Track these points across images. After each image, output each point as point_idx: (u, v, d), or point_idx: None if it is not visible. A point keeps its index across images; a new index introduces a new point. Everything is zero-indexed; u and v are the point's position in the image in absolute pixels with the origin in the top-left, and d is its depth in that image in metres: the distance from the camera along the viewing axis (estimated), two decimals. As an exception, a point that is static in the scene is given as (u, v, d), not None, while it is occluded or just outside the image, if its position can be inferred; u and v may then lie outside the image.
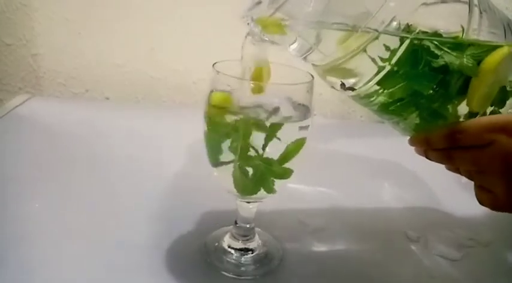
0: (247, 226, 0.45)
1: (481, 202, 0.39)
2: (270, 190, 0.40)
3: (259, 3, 0.35)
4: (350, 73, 0.37)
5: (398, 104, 0.37)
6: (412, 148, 0.42)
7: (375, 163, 0.68)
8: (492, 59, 0.35)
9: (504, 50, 0.35)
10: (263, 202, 0.43)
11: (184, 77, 0.85)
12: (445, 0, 0.37)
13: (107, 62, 0.84)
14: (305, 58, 0.38)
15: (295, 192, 0.57)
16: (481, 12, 0.36)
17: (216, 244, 0.46)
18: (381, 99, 0.37)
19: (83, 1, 0.80)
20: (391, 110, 0.38)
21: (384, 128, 0.46)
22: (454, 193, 0.61)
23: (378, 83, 0.36)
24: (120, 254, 0.43)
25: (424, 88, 0.35)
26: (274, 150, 0.38)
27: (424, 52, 0.34)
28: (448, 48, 0.34)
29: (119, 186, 0.55)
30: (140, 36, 0.82)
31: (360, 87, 0.37)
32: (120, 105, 0.84)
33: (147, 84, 0.86)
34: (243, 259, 0.44)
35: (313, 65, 0.39)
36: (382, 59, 0.35)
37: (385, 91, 0.36)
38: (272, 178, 0.39)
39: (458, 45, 0.35)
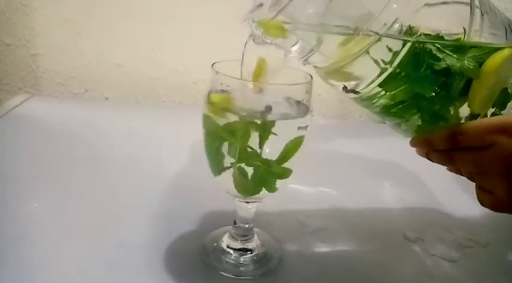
0: (246, 226, 0.45)
1: (482, 204, 0.39)
2: (272, 189, 0.40)
3: (260, 5, 0.35)
4: (352, 75, 0.37)
5: (400, 106, 0.37)
6: (412, 148, 0.42)
7: (374, 164, 0.69)
8: (493, 61, 0.35)
9: (505, 52, 0.36)
10: (262, 203, 0.43)
11: (184, 77, 0.85)
12: (446, 2, 0.37)
13: (107, 62, 0.84)
14: (306, 60, 0.38)
15: (294, 192, 0.57)
16: (482, 14, 0.36)
17: (215, 244, 0.46)
18: (383, 101, 0.37)
19: (83, 1, 0.80)
20: (393, 112, 0.38)
21: (383, 128, 0.46)
22: (453, 193, 0.61)
23: (379, 85, 0.36)
24: (120, 254, 0.43)
25: (426, 90, 0.35)
26: (273, 151, 0.38)
27: (426, 55, 0.34)
28: (450, 50, 0.34)
29: (119, 186, 0.55)
30: (140, 36, 0.82)
31: (362, 89, 0.37)
32: (120, 105, 0.84)
33: (146, 84, 0.86)
34: (241, 259, 0.44)
35: (315, 67, 0.39)
36: (384, 62, 0.35)
37: (387, 93, 0.37)
38: (272, 178, 0.39)
39: (459, 47, 0.35)
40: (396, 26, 0.34)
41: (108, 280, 0.40)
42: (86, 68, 0.84)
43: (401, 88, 0.36)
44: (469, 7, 0.36)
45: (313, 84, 0.39)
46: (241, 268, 0.44)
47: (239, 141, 0.37)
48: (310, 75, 0.39)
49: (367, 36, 0.34)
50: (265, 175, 0.39)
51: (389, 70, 0.35)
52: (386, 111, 0.38)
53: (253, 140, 0.37)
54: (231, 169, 0.39)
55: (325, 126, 0.82)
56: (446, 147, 0.38)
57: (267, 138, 0.37)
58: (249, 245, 0.45)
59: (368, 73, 0.36)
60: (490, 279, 0.47)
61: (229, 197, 0.43)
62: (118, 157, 0.61)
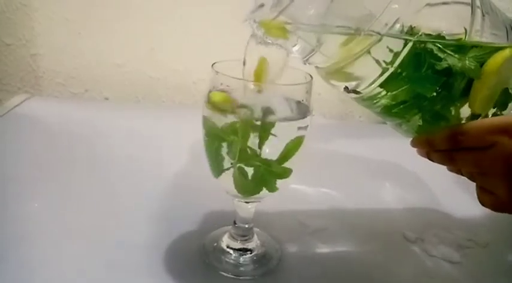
0: (246, 226, 0.45)
1: (483, 204, 0.39)
2: (273, 189, 0.40)
3: (261, 6, 0.35)
4: (353, 76, 0.37)
5: (401, 106, 0.37)
6: (412, 149, 0.42)
7: (374, 164, 0.69)
8: (494, 61, 0.35)
9: (506, 52, 0.36)
10: (262, 203, 0.43)
11: (184, 77, 0.85)
12: (447, 2, 0.37)
13: (107, 62, 0.84)
14: (307, 60, 0.38)
15: (294, 193, 0.57)
16: (483, 14, 0.36)
17: (215, 244, 0.46)
18: (384, 101, 0.37)
19: (83, 1, 0.80)
20: (394, 112, 0.38)
21: (383, 129, 0.46)
22: (454, 194, 0.61)
23: (381, 86, 0.36)
24: (120, 254, 0.43)
25: (427, 90, 0.35)
26: (274, 151, 0.38)
27: (427, 55, 0.34)
28: (451, 50, 0.34)
29: (119, 186, 0.55)
30: (140, 36, 0.82)
31: (363, 90, 0.37)
32: (120, 105, 0.84)
33: (146, 84, 0.86)
34: (241, 259, 0.44)
35: (316, 67, 0.39)
36: (385, 62, 0.35)
37: (388, 93, 0.37)
38: (272, 178, 0.39)
39: (461, 47, 0.35)
40: (397, 26, 0.34)
41: (108, 280, 0.40)
42: (86, 68, 0.84)
43: (403, 88, 0.36)
44: (470, 7, 0.36)
45: (313, 84, 0.39)
46: (241, 268, 0.44)
47: (239, 142, 0.37)
48: (310, 75, 0.39)
49: (368, 37, 0.35)
50: (265, 175, 0.39)
51: (391, 70, 0.35)
52: (388, 111, 0.38)
53: (253, 140, 0.37)
54: (231, 170, 0.39)
55: (325, 126, 0.82)
56: (447, 147, 0.38)
57: (267, 139, 0.37)
58: (249, 245, 0.45)
59: (369, 73, 0.36)
60: (490, 279, 0.47)
61: (229, 197, 0.43)
62: (118, 157, 0.61)
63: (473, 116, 0.38)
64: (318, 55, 0.37)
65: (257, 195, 0.41)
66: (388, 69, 0.35)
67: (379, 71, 0.36)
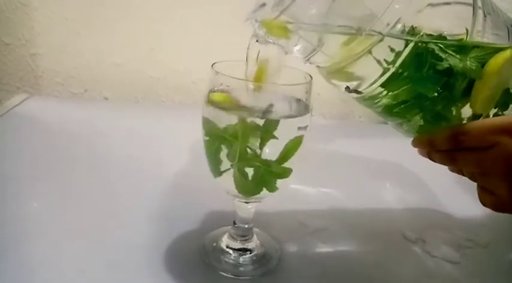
0: (246, 226, 0.45)
1: (484, 204, 0.39)
2: (273, 189, 0.40)
3: (263, 5, 0.35)
4: (354, 75, 0.37)
5: (402, 106, 0.37)
6: (413, 149, 0.42)
7: (375, 164, 0.69)
8: (496, 62, 0.35)
9: (507, 53, 0.36)
10: (262, 203, 0.43)
11: (184, 77, 0.85)
12: (449, 2, 0.37)
13: (107, 62, 0.84)
14: (309, 60, 0.38)
15: (294, 193, 0.57)
16: (485, 15, 0.36)
17: (215, 244, 0.46)
18: (385, 101, 0.37)
19: (82, 1, 0.80)
20: (395, 112, 0.38)
21: (383, 128, 0.46)
22: (454, 194, 0.61)
23: (382, 85, 0.36)
24: (120, 254, 0.43)
25: (429, 91, 0.35)
26: (273, 151, 0.38)
27: (428, 55, 0.34)
28: (453, 50, 0.34)
29: (119, 186, 0.55)
30: (140, 36, 0.82)
31: (364, 89, 0.37)
32: (120, 105, 0.84)
33: (146, 84, 0.86)
34: (241, 259, 0.44)
35: (317, 67, 0.39)
36: (386, 62, 0.35)
37: (390, 93, 0.37)
38: (272, 178, 0.39)
39: (462, 47, 0.35)
40: (399, 26, 0.34)
41: (108, 280, 0.40)
42: (85, 68, 0.84)
43: (404, 88, 0.36)
44: (471, 8, 0.36)
45: (313, 84, 0.39)
46: (241, 268, 0.44)
47: (239, 142, 0.37)
48: (310, 75, 0.39)
49: (369, 36, 0.35)
50: (265, 176, 0.39)
51: (392, 70, 0.35)
52: (389, 111, 0.38)
53: (253, 140, 0.37)
54: (231, 170, 0.39)
55: (326, 127, 0.82)
56: (449, 147, 0.38)
57: (269, 139, 0.37)
58: (249, 245, 0.45)
59: (370, 73, 0.36)
60: (490, 279, 0.47)
61: (229, 197, 0.42)
62: (118, 157, 0.61)
63: (475, 116, 0.38)
64: (320, 55, 0.37)
65: (257, 195, 0.41)
66: (389, 69, 0.35)
67: (381, 70, 0.36)
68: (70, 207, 0.50)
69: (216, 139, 0.39)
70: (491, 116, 0.39)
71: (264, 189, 0.40)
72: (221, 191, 0.42)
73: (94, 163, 0.60)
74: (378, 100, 0.38)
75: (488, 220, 0.56)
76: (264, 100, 0.39)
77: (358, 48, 0.35)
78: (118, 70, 0.84)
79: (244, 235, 0.45)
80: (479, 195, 0.39)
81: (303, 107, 0.39)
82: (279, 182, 0.40)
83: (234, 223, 0.45)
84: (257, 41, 0.37)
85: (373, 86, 0.36)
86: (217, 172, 0.40)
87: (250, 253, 0.45)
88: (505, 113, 0.40)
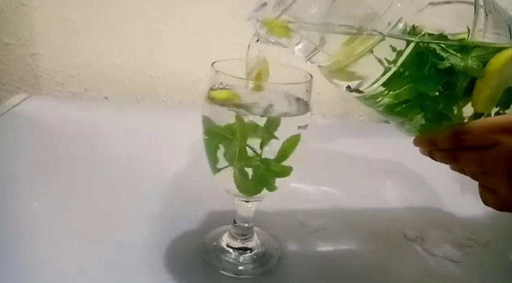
0: (246, 225, 0.45)
1: (486, 203, 0.39)
2: (272, 188, 0.40)
3: (264, 5, 0.35)
4: (356, 75, 0.37)
5: (403, 105, 0.37)
6: (414, 148, 0.42)
7: (375, 163, 0.69)
8: (497, 61, 0.35)
9: (509, 52, 0.36)
10: (262, 202, 0.43)
11: (184, 77, 0.85)
12: (450, 1, 0.37)
13: (106, 62, 0.84)
14: (310, 59, 0.38)
15: (294, 192, 0.57)
16: (486, 14, 0.36)
17: (215, 243, 0.46)
18: (387, 100, 0.37)
19: (82, 0, 0.79)
20: (397, 111, 0.38)
21: (384, 127, 0.46)
22: (455, 193, 0.61)
23: (383, 85, 0.36)
24: (120, 254, 0.43)
25: (430, 90, 0.35)
26: (273, 150, 0.38)
27: (429, 54, 0.34)
28: (454, 50, 0.34)
29: (119, 186, 0.55)
30: (140, 36, 0.82)
31: (366, 89, 0.37)
32: (120, 105, 0.84)
33: (146, 84, 0.85)
34: (241, 258, 0.44)
35: (319, 66, 0.39)
36: (388, 61, 0.35)
37: (391, 92, 0.37)
38: (272, 177, 0.39)
39: (463, 47, 0.35)
40: (400, 25, 0.34)
41: (108, 280, 0.40)
42: (85, 68, 0.84)
43: (405, 87, 0.36)
44: (473, 6, 0.36)
45: (313, 83, 0.39)
46: (241, 267, 0.44)
47: (238, 141, 0.37)
48: (310, 74, 0.39)
49: (371, 36, 0.34)
50: (264, 175, 0.39)
51: (393, 69, 0.35)
52: (390, 110, 0.38)
53: (253, 139, 0.37)
54: (231, 168, 0.39)
55: (326, 126, 0.82)
56: (450, 146, 0.38)
57: (270, 139, 0.37)
58: (249, 244, 0.45)
59: (372, 72, 0.36)
60: (490, 278, 0.47)
61: (229, 196, 0.42)
62: (118, 157, 0.61)
63: (476, 115, 0.38)
64: (321, 54, 0.37)
65: (258, 195, 0.41)
66: (390, 68, 0.35)
67: (382, 70, 0.36)
68: (70, 207, 0.50)
69: (216, 137, 0.39)
70: (492, 115, 0.39)
71: (264, 189, 0.40)
72: (221, 190, 0.42)
73: (94, 163, 0.60)
74: (379, 99, 0.38)
75: (489, 219, 0.56)
76: (264, 99, 0.39)
77: (359, 47, 0.35)
78: (118, 70, 0.84)
79: (245, 234, 0.45)
80: (480, 194, 0.39)
81: (303, 106, 0.39)
82: (279, 181, 0.40)
83: (234, 222, 0.45)
84: (257, 41, 0.37)
85: (375, 85, 0.36)
86: (217, 169, 0.40)
87: (251, 252, 0.45)
88: (506, 111, 0.40)
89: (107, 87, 0.86)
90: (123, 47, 0.83)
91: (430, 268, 0.47)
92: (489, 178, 0.38)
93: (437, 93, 0.36)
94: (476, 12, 0.35)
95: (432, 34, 0.35)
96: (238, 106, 0.38)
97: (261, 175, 0.39)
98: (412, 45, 0.34)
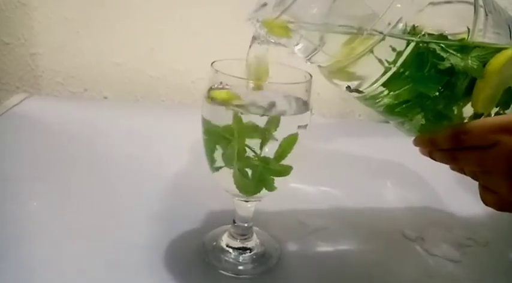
0: (245, 225, 0.45)
1: (486, 203, 0.39)
2: (271, 188, 0.40)
3: (264, 5, 0.35)
4: (356, 75, 0.37)
5: (403, 105, 0.37)
6: (414, 147, 0.42)
7: (375, 163, 0.69)
8: (497, 61, 0.35)
9: (509, 52, 0.36)
10: (262, 202, 0.43)
11: (184, 77, 0.85)
12: (450, 1, 0.37)
13: (106, 61, 0.84)
14: (310, 59, 0.38)
15: (294, 192, 0.57)
16: (486, 13, 0.36)
17: (214, 243, 0.46)
18: (387, 100, 0.37)
19: (82, 1, 0.79)
20: (397, 111, 0.38)
21: (383, 127, 0.46)
22: (455, 193, 0.61)
23: (383, 85, 0.36)
24: (120, 254, 0.43)
25: (430, 90, 0.35)
26: (272, 149, 0.38)
27: (429, 54, 0.34)
28: (454, 50, 0.34)
29: (119, 186, 0.55)
30: (140, 36, 0.82)
31: (366, 89, 0.37)
32: (119, 105, 0.84)
33: (146, 84, 0.86)
34: (241, 258, 0.44)
35: (318, 66, 0.39)
36: (387, 61, 0.35)
37: (391, 93, 0.37)
38: (272, 176, 0.39)
39: (463, 47, 0.35)
40: (400, 25, 0.34)
41: (108, 280, 0.40)
42: (85, 67, 0.84)
43: (405, 87, 0.36)
44: (472, 6, 0.36)
45: (312, 83, 0.39)
46: (240, 267, 0.44)
47: (237, 140, 0.37)
48: (310, 74, 0.39)
49: (371, 36, 0.35)
50: (264, 174, 0.39)
51: (393, 69, 0.35)
52: (390, 110, 0.38)
53: (254, 136, 0.37)
54: (230, 168, 0.39)
55: (325, 126, 0.82)
56: (450, 146, 0.38)
57: (269, 139, 0.37)
58: (248, 244, 0.45)
59: (372, 72, 0.36)
60: (489, 278, 0.47)
61: (229, 196, 0.42)
62: (118, 157, 0.61)
63: (476, 116, 0.38)
64: (321, 54, 0.37)
65: (257, 195, 0.41)
66: (390, 68, 0.35)
67: (382, 70, 0.36)
68: (70, 207, 0.50)
69: (215, 137, 0.39)
70: (492, 115, 0.39)
71: (264, 188, 0.40)
72: (221, 190, 0.42)
73: (94, 163, 0.60)
74: (379, 99, 0.38)
75: (489, 219, 0.56)
76: (264, 99, 0.39)
77: (359, 47, 0.35)
78: (118, 70, 0.84)
79: (244, 234, 0.45)
80: (480, 194, 0.39)
81: (302, 106, 0.39)
82: (279, 181, 0.40)
83: (234, 222, 0.45)
84: (258, 43, 0.37)
85: (375, 85, 0.36)
86: (216, 168, 0.40)
87: (250, 252, 0.45)
88: (506, 112, 0.40)
89: (107, 87, 0.86)
90: (123, 47, 0.83)
91: (430, 268, 0.47)
92: (489, 179, 0.38)
93: (437, 94, 0.36)
94: (476, 12, 0.35)
95: (432, 34, 0.35)
96: (238, 106, 0.38)
97: (260, 175, 0.39)
98: (412, 45, 0.34)
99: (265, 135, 0.37)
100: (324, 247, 0.48)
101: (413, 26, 0.35)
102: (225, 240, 0.46)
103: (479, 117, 0.38)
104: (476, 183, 0.40)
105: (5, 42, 0.82)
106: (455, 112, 0.37)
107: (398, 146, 0.49)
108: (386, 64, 0.35)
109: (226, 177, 0.39)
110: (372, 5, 0.35)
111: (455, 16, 0.37)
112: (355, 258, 0.47)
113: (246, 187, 0.40)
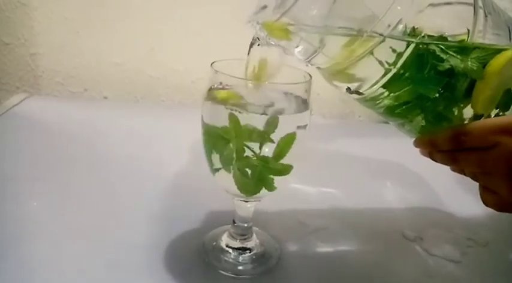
0: (245, 225, 0.45)
1: (486, 204, 0.39)
2: (271, 188, 0.40)
3: (264, 7, 0.35)
4: (356, 76, 0.37)
5: (404, 106, 0.37)
6: (414, 148, 0.42)
7: (375, 164, 0.69)
8: (497, 62, 0.35)
9: (509, 53, 0.36)
10: (261, 202, 0.43)
11: (184, 77, 0.85)
12: (450, 2, 0.37)
13: (106, 61, 0.84)
14: (310, 61, 0.38)
15: (294, 192, 0.57)
16: (486, 15, 0.36)
17: (214, 243, 0.46)
18: (387, 102, 0.37)
19: (82, 1, 0.79)
20: (397, 112, 0.38)
21: (383, 128, 0.46)
22: (455, 193, 0.61)
23: (383, 86, 0.36)
24: (120, 254, 0.43)
25: (430, 91, 0.35)
26: (271, 149, 0.38)
27: (429, 56, 0.34)
28: (454, 51, 0.34)
29: (119, 186, 0.55)
30: (140, 36, 0.82)
31: (366, 90, 0.37)
32: (119, 105, 0.84)
33: (146, 84, 0.86)
34: (240, 258, 0.44)
35: (318, 68, 0.39)
36: (387, 63, 0.35)
37: (391, 94, 0.37)
38: (271, 175, 0.39)
39: (463, 48, 0.35)
40: (400, 27, 0.34)
41: (108, 280, 0.40)
42: (85, 67, 0.84)
43: (405, 89, 0.36)
44: (472, 8, 0.36)
45: (312, 84, 0.39)
46: (240, 267, 0.44)
47: (236, 140, 0.37)
48: (310, 75, 0.39)
49: (370, 38, 0.35)
50: (263, 173, 0.39)
51: (393, 71, 0.35)
52: (390, 111, 0.38)
53: (252, 139, 0.37)
54: (230, 168, 0.39)
55: (325, 126, 0.82)
56: (450, 147, 0.38)
57: (267, 140, 0.37)
58: (248, 244, 0.45)
59: (372, 74, 0.36)
60: (489, 278, 0.47)
61: (229, 196, 0.43)
62: (118, 157, 0.61)
63: (476, 117, 0.38)
64: (321, 56, 0.37)
65: (257, 195, 0.41)
66: (390, 70, 0.35)
67: (382, 71, 0.36)
68: (70, 207, 0.50)
69: (215, 137, 0.39)
70: (492, 117, 0.39)
71: (264, 188, 0.40)
72: (221, 190, 0.42)
73: (94, 163, 0.60)
74: (379, 101, 0.38)
75: (489, 220, 0.56)
76: (263, 99, 0.39)
77: (359, 49, 0.35)
78: (118, 70, 0.84)
79: (244, 234, 0.45)
80: (481, 194, 0.39)
81: (302, 106, 0.39)
82: (278, 181, 0.40)
83: (234, 222, 0.45)
84: (258, 44, 0.37)
85: (375, 87, 0.36)
86: (216, 170, 0.40)
87: (250, 252, 0.45)
88: (506, 113, 0.40)
89: (107, 87, 0.86)
90: (123, 47, 0.83)
91: (430, 268, 0.47)
92: (489, 179, 0.38)
93: (437, 95, 0.36)
94: (475, 13, 0.35)
95: (432, 35, 0.35)
96: (237, 105, 0.38)
97: (260, 174, 0.39)
98: (412, 46, 0.34)
99: (263, 137, 0.37)
100: (324, 248, 0.48)
101: (413, 27, 0.35)
102: (224, 240, 0.46)
103: (479, 119, 0.38)
104: (476, 183, 0.40)
105: (5, 42, 0.82)
106: (456, 113, 0.37)
107: (398, 147, 0.49)
108: (386, 65, 0.35)
109: (227, 177, 0.39)
110: (371, 7, 0.35)
111: (455, 17, 0.37)
112: (355, 258, 0.47)
113: (246, 187, 0.40)
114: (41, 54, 0.83)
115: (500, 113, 0.39)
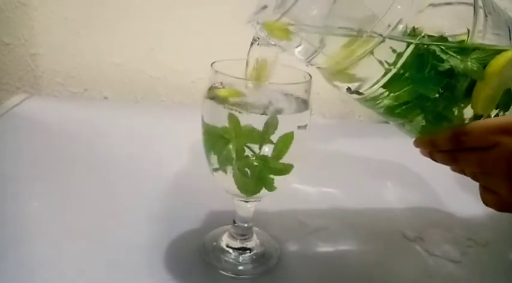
0: (245, 225, 0.45)
1: (486, 204, 0.39)
2: (271, 188, 0.40)
3: (265, 7, 0.35)
4: (356, 76, 0.37)
5: (404, 107, 0.37)
6: (414, 148, 0.42)
7: (375, 164, 0.69)
8: (497, 62, 0.35)
9: (509, 54, 0.36)
10: (261, 202, 0.43)
11: (184, 77, 0.85)
12: (450, 2, 0.37)
13: (106, 62, 0.84)
14: (310, 61, 0.38)
15: (294, 192, 0.57)
16: (486, 15, 0.36)
17: (214, 243, 0.46)
18: (387, 102, 0.37)
19: (82, 1, 0.80)
20: (397, 112, 0.38)
21: (383, 128, 0.46)
22: (455, 193, 0.61)
23: (383, 86, 0.36)
24: (120, 254, 0.43)
25: (430, 92, 0.35)
26: (270, 148, 0.38)
27: (429, 56, 0.34)
28: (454, 52, 0.34)
29: (119, 186, 0.55)
30: (140, 36, 0.82)
31: (366, 90, 0.37)
32: (119, 105, 0.84)
33: (146, 84, 0.86)
34: (241, 258, 0.44)
35: (318, 68, 0.39)
36: (388, 63, 0.35)
37: (391, 94, 0.37)
38: (271, 175, 0.39)
39: (463, 49, 0.35)
40: (400, 27, 0.34)
41: (108, 280, 0.40)
42: (85, 67, 0.84)
43: (405, 89, 0.36)
44: (472, 8, 0.36)
45: (312, 84, 0.39)
46: (240, 267, 0.44)
47: (236, 139, 0.37)
48: (310, 75, 0.39)
49: (371, 38, 0.35)
50: (263, 173, 0.39)
51: (393, 71, 0.35)
52: (390, 111, 0.38)
53: (252, 139, 0.37)
54: (229, 169, 0.39)
55: (325, 126, 0.82)
56: (450, 147, 0.38)
57: (267, 140, 0.37)
58: (248, 244, 0.45)
59: (372, 74, 0.36)
60: (489, 278, 0.47)
61: (229, 197, 0.43)
62: (118, 157, 0.61)
63: (476, 117, 0.38)
64: (321, 56, 0.37)
65: (257, 195, 0.41)
66: (390, 70, 0.35)
67: (382, 71, 0.36)
68: (70, 207, 0.50)
69: (215, 137, 0.39)
70: (492, 117, 0.39)
71: (264, 188, 0.40)
72: (221, 191, 0.42)
73: (94, 163, 0.60)
74: (379, 101, 0.38)
75: (489, 220, 0.56)
76: (263, 99, 0.39)
77: (359, 49, 0.35)
78: (118, 70, 0.84)
79: (244, 234, 0.45)
80: (481, 194, 0.39)
81: (302, 106, 0.39)
82: (279, 181, 0.40)
83: (234, 222, 0.45)
84: (258, 44, 0.37)
85: (375, 87, 0.36)
86: (216, 170, 0.40)
87: (250, 252, 0.45)
88: (506, 113, 0.40)
89: (107, 87, 0.86)
90: (123, 47, 0.83)
91: (430, 268, 0.47)
92: (489, 179, 0.38)
93: (437, 95, 0.36)
94: (475, 13, 0.35)
95: (432, 36, 0.35)
96: (237, 105, 0.38)
97: (260, 173, 0.39)
98: (412, 47, 0.34)
99: (263, 138, 0.37)
100: (324, 248, 0.48)
101: (413, 27, 0.35)
102: (225, 240, 0.46)
103: (479, 119, 0.38)
104: (476, 183, 0.40)
105: (5, 42, 0.82)
106: (456, 113, 0.37)
107: (398, 147, 0.49)
108: (386, 66, 0.35)
109: (227, 177, 0.39)
110: (371, 7, 0.35)
111: (455, 17, 0.37)
112: (355, 258, 0.47)
113: (246, 187, 0.40)
114: (41, 54, 0.83)
115: (500, 113, 0.39)
